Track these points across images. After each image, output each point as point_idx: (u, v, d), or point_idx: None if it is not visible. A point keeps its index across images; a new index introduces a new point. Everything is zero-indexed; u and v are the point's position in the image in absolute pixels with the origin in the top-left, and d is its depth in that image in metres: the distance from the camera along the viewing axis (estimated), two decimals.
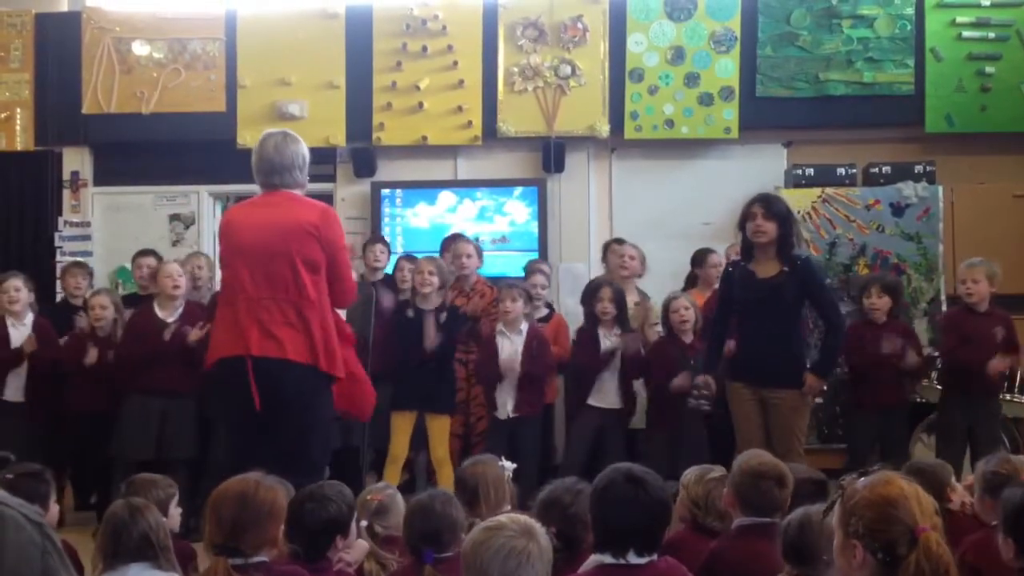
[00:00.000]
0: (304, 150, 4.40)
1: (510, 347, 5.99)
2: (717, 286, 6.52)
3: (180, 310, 6.13)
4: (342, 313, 4.65)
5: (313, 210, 4.28)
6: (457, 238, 6.86)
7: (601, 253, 7.22)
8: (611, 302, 6.01)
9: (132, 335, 6.09)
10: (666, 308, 6.10)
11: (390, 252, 7.09)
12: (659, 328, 6.34)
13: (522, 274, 7.00)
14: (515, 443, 5.74)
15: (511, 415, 5.97)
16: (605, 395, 6.03)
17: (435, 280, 6.00)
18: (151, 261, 6.70)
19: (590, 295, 6.15)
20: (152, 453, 5.89)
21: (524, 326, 6.04)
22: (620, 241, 7.01)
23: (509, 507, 3.56)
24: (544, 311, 6.55)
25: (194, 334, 5.88)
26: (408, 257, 6.80)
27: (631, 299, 6.38)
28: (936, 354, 6.34)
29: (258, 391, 4.07)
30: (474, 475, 3.58)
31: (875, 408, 5.96)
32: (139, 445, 5.92)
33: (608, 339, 6.02)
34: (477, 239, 7.11)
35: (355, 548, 3.28)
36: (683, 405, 5.76)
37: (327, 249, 4.23)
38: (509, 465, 3.71)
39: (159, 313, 6.12)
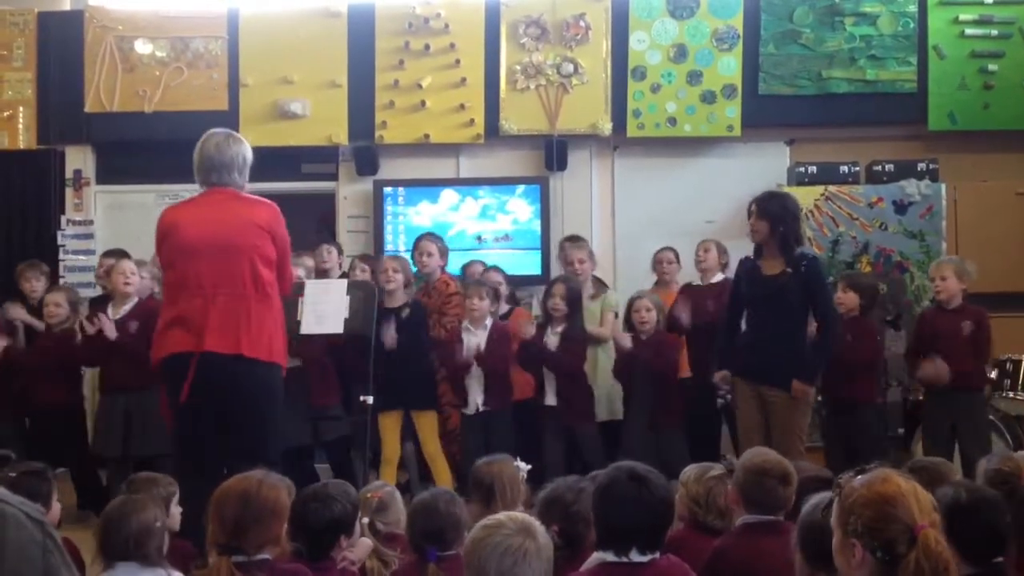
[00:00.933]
0: (247, 151, 4.46)
1: (473, 342, 6.01)
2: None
3: (130, 307, 6.10)
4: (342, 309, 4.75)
5: (264, 208, 4.37)
6: (421, 237, 6.86)
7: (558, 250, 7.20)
8: (561, 299, 6.00)
9: (86, 335, 6.13)
10: (628, 307, 6.12)
11: (340, 254, 7.07)
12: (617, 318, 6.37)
13: (517, 272, 7.03)
14: (490, 439, 5.74)
15: (480, 409, 5.99)
16: (548, 393, 6.02)
17: (399, 277, 6.08)
18: (110, 261, 6.67)
19: (546, 292, 6.18)
20: (119, 450, 5.93)
21: (488, 322, 6.06)
22: (570, 238, 6.94)
23: (522, 507, 3.57)
24: (505, 307, 6.53)
25: (108, 328, 5.89)
26: (363, 256, 6.86)
27: (586, 294, 6.36)
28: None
29: (206, 384, 4.14)
30: (490, 473, 3.58)
31: (840, 406, 5.87)
32: (107, 443, 6.00)
33: (550, 338, 5.98)
34: (479, 237, 7.10)
35: (359, 546, 3.28)
36: (665, 404, 5.83)
37: (279, 245, 4.36)
38: (524, 466, 3.72)
39: (110, 311, 6.12)
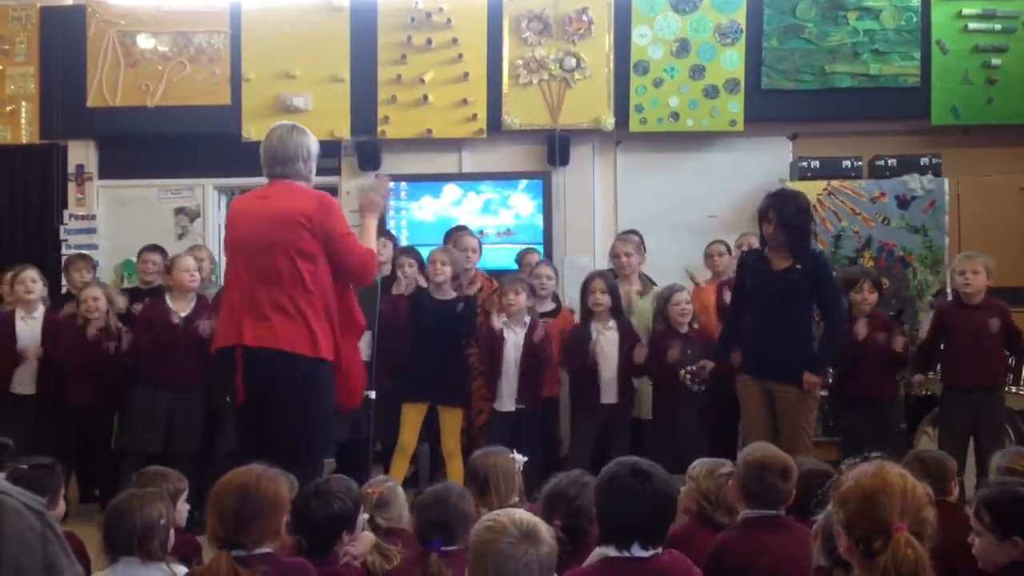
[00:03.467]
0: (311, 143, 4.42)
1: (513, 339, 5.98)
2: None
3: (193, 304, 6.16)
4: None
5: (308, 200, 4.28)
6: (461, 231, 6.85)
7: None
8: (603, 293, 5.96)
9: (145, 328, 6.11)
10: (666, 300, 6.09)
11: (395, 245, 7.06)
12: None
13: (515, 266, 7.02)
14: (517, 436, 5.74)
15: (512, 408, 5.97)
16: (603, 391, 6.01)
17: (447, 270, 6.02)
18: (156, 257, 6.73)
19: (583, 288, 6.12)
20: (160, 446, 5.91)
21: (527, 319, 6.03)
22: (623, 232, 6.95)
23: (517, 499, 3.57)
24: (550, 305, 6.52)
25: (206, 325, 5.90)
26: (405, 250, 6.81)
27: (634, 289, 6.37)
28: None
29: (254, 381, 4.12)
30: (484, 465, 3.59)
31: (862, 403, 5.86)
32: (147, 437, 5.96)
33: (604, 334, 5.97)
34: (481, 232, 7.09)
35: (360, 541, 3.28)
36: (679, 396, 5.79)
37: (325, 238, 4.21)
38: (520, 458, 3.72)
39: (172, 306, 6.13)
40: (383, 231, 7.16)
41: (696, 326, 6.09)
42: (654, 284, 6.71)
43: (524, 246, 7.56)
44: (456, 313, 5.99)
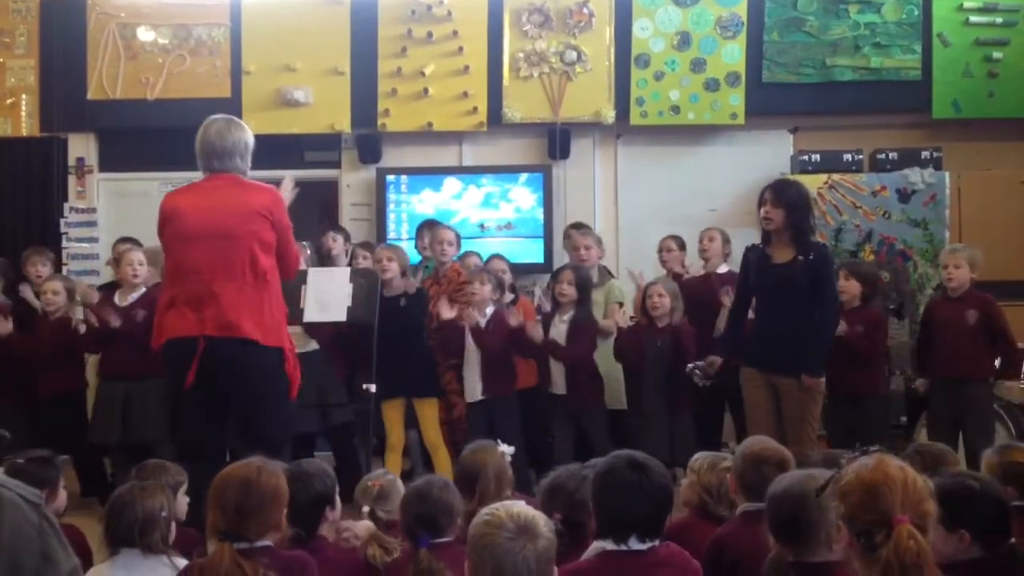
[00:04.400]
0: (248, 137, 4.48)
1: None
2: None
3: (137, 296, 6.16)
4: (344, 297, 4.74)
5: (264, 193, 4.39)
6: (434, 225, 6.85)
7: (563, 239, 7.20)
8: (570, 284, 5.98)
9: (89, 323, 6.18)
10: (643, 293, 6.11)
11: (346, 240, 7.05)
12: (627, 311, 6.33)
13: (520, 261, 7.02)
14: (493, 426, 5.74)
15: (480, 397, 5.99)
16: (556, 382, 6.04)
17: (393, 266, 6.07)
18: (124, 247, 6.72)
19: (552, 278, 6.18)
20: (118, 436, 5.98)
21: (489, 310, 6.05)
22: (576, 226, 6.95)
23: (510, 492, 3.58)
24: (509, 296, 6.52)
25: (113, 318, 5.97)
26: (364, 244, 6.85)
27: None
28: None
29: (214, 369, 4.17)
30: (473, 464, 3.58)
31: (845, 397, 5.80)
32: (106, 429, 6.04)
33: (556, 327, 5.97)
34: (482, 224, 7.09)
35: (358, 524, 3.30)
36: (679, 390, 5.81)
37: (278, 230, 4.36)
38: (508, 449, 3.73)
39: (118, 300, 6.19)
40: (337, 226, 7.21)
41: (674, 320, 6.04)
42: (612, 276, 6.71)
43: (524, 239, 7.57)
44: (401, 308, 6.01)
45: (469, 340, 6.01)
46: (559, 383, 6.01)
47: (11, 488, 1.32)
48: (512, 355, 6.07)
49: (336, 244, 6.87)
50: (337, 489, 3.29)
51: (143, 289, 6.19)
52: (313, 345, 6.05)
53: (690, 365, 5.71)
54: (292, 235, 4.50)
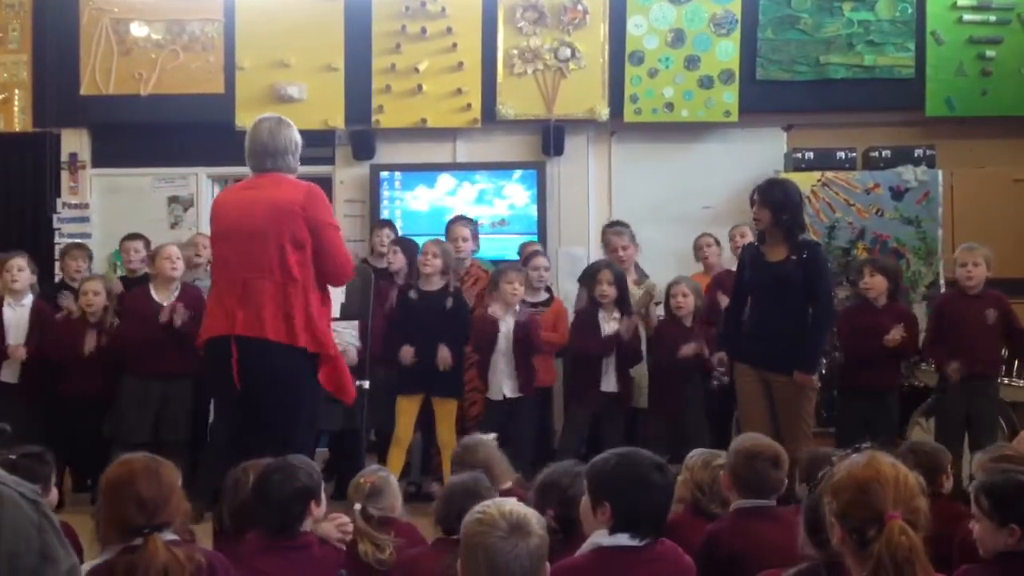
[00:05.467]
0: (297, 136, 4.44)
1: (504, 328, 6.00)
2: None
3: (177, 292, 6.15)
4: (339, 293, 4.69)
5: (298, 190, 4.30)
6: (455, 220, 6.85)
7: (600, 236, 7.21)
8: (611, 285, 5.98)
9: (129, 318, 6.10)
10: (666, 292, 6.13)
11: (396, 236, 7.06)
12: (660, 311, 6.35)
13: (514, 257, 7.00)
14: (511, 425, 5.74)
15: (506, 396, 5.98)
16: (605, 379, 6.02)
17: (437, 263, 6.02)
18: (139, 245, 6.75)
19: (589, 278, 6.13)
20: (149, 435, 5.92)
21: (517, 307, 6.04)
22: (612, 225, 6.97)
23: (511, 483, 3.59)
24: (544, 295, 6.53)
25: (176, 314, 5.93)
26: (399, 241, 6.82)
27: (630, 279, 6.38)
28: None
29: (243, 371, 4.13)
30: (478, 459, 3.61)
31: (863, 391, 5.85)
32: (136, 427, 5.97)
33: (608, 324, 6.01)
34: (476, 221, 7.09)
35: (344, 522, 3.30)
36: (686, 386, 5.81)
37: (312, 227, 4.23)
38: (490, 437, 3.76)
39: (155, 296, 6.15)
40: (386, 222, 7.20)
41: (697, 319, 6.09)
42: (647, 276, 6.72)
43: (518, 236, 7.57)
44: (445, 308, 5.99)
45: (500, 339, 5.98)
46: (609, 381, 6.01)
47: (10, 485, 1.31)
48: (534, 358, 6.07)
49: (388, 241, 6.82)
50: (323, 485, 3.25)
51: (179, 285, 6.18)
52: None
53: (714, 373, 5.78)
54: (337, 233, 4.38)
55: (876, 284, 5.88)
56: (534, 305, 6.29)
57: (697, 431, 5.85)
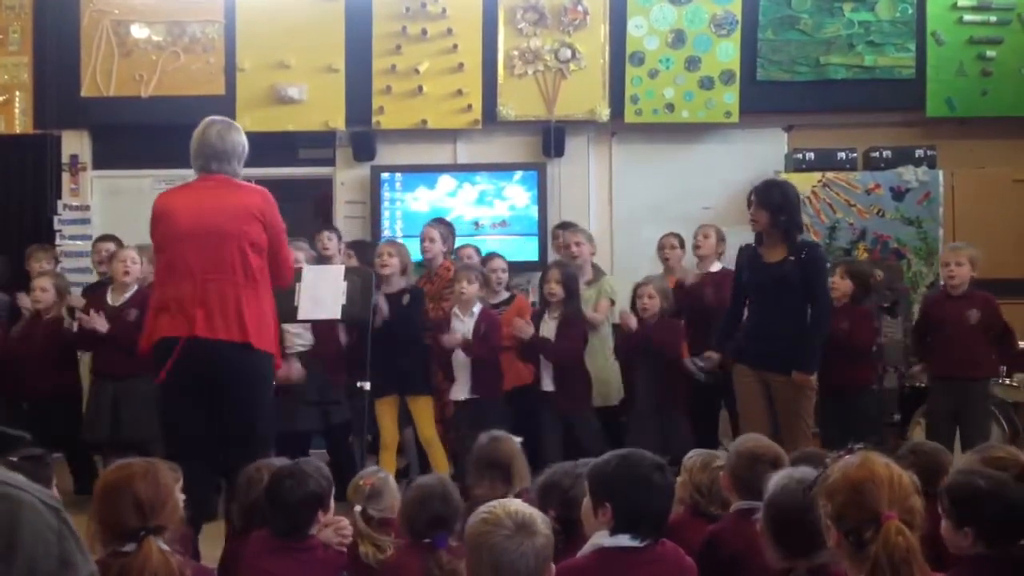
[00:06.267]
0: (245, 141, 4.48)
1: (461, 328, 6.00)
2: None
3: (129, 295, 6.15)
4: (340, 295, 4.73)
5: (255, 194, 4.38)
6: (427, 223, 6.86)
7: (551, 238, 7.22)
8: (557, 284, 5.98)
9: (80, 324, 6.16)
10: (633, 293, 6.12)
11: (339, 240, 7.05)
12: (619, 308, 6.33)
13: (514, 259, 7.02)
14: (480, 427, 5.73)
15: (466, 397, 5.98)
16: (544, 379, 6.03)
17: (394, 262, 6.05)
18: (110, 246, 6.75)
19: (541, 277, 6.17)
20: (107, 435, 5.99)
21: (476, 308, 6.04)
22: (564, 225, 6.95)
23: (528, 483, 3.59)
24: (504, 295, 6.51)
25: (99, 324, 5.97)
26: (351, 245, 6.87)
27: (583, 279, 6.34)
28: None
29: (203, 370, 4.18)
30: (506, 452, 3.61)
31: (835, 392, 5.76)
32: (96, 427, 6.05)
33: (546, 324, 5.98)
34: (477, 222, 7.09)
35: (343, 526, 3.30)
36: (669, 387, 5.82)
37: (270, 232, 4.34)
38: (516, 439, 3.76)
39: (109, 298, 6.18)
40: (330, 226, 7.22)
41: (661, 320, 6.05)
42: (604, 274, 6.71)
43: (518, 237, 7.58)
44: (403, 305, 6.00)
45: (456, 338, 5.97)
46: (547, 380, 6.00)
47: (32, 492, 1.32)
48: (499, 357, 6.05)
49: (331, 244, 6.87)
50: (333, 491, 3.26)
51: (135, 287, 6.18)
52: (309, 340, 6.05)
53: (687, 359, 5.75)
54: (285, 238, 4.49)
55: (841, 286, 5.86)
56: (495, 306, 6.29)
57: (681, 431, 5.83)
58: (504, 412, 5.97)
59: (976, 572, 2.58)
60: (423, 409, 6.08)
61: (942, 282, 6.93)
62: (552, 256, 7.37)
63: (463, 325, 6.01)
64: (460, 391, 6.02)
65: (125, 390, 5.98)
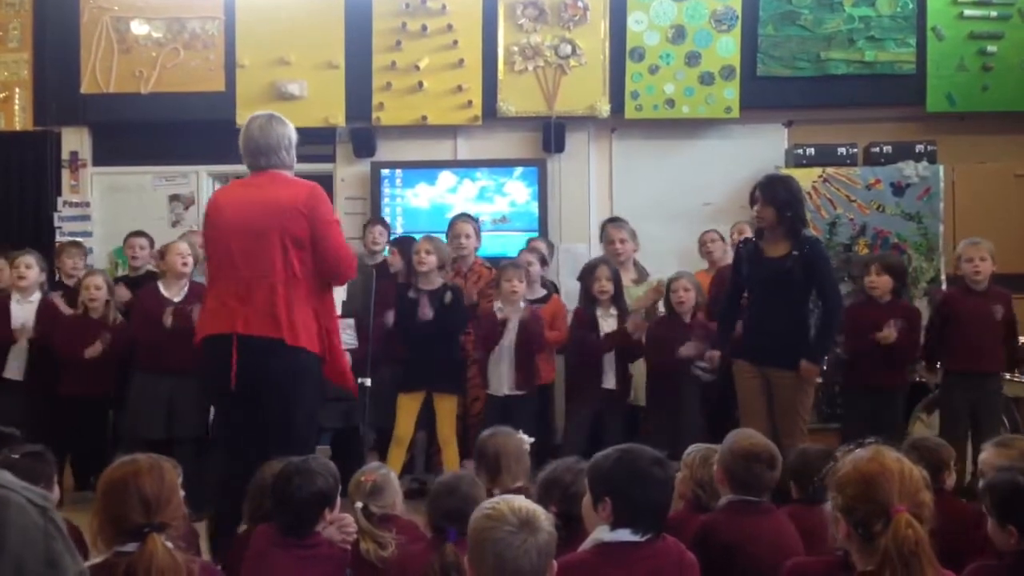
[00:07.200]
0: (291, 131, 4.39)
1: (509, 324, 5.98)
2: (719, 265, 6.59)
3: (186, 289, 6.15)
4: (339, 291, 4.70)
5: (300, 188, 4.29)
6: (457, 218, 6.84)
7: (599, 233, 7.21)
8: (608, 281, 5.98)
9: (142, 316, 6.11)
10: (667, 287, 6.12)
11: (390, 233, 7.08)
12: (660, 307, 6.34)
13: (514, 254, 7.00)
14: (511, 422, 5.72)
15: (507, 393, 5.97)
16: (606, 377, 6.02)
17: (432, 259, 6.00)
18: (143, 242, 6.77)
19: (587, 275, 6.13)
20: (162, 432, 5.93)
21: (521, 304, 6.04)
22: (612, 220, 6.96)
23: (524, 481, 3.59)
24: (541, 292, 6.52)
25: (197, 313, 5.89)
26: (397, 241, 6.82)
27: (628, 277, 6.37)
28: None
29: (245, 368, 4.12)
30: (495, 446, 3.60)
31: (870, 389, 5.82)
32: (149, 425, 5.96)
33: (605, 321, 6.00)
34: (478, 219, 7.08)
35: (347, 523, 3.30)
36: (682, 383, 5.80)
37: (314, 226, 4.21)
38: (527, 438, 3.74)
39: (165, 293, 6.14)
40: (380, 219, 7.20)
41: (699, 315, 6.09)
42: (647, 274, 6.71)
43: (519, 233, 7.57)
44: (444, 303, 5.98)
45: (504, 335, 5.97)
46: (610, 378, 6.00)
47: (18, 490, 1.31)
48: (543, 350, 6.08)
49: (381, 240, 6.85)
50: (339, 489, 3.26)
51: (188, 283, 6.17)
52: (353, 339, 6.01)
53: (693, 368, 5.77)
54: (337, 231, 4.35)
55: (882, 283, 5.86)
56: (532, 302, 6.28)
57: (692, 430, 5.83)
58: (535, 409, 6.00)
59: (1021, 567, 2.60)
60: (447, 408, 6.03)
61: (943, 278, 6.98)
62: (555, 253, 7.38)
63: (510, 322, 5.98)
64: (499, 386, 6.00)
65: (180, 388, 5.94)
